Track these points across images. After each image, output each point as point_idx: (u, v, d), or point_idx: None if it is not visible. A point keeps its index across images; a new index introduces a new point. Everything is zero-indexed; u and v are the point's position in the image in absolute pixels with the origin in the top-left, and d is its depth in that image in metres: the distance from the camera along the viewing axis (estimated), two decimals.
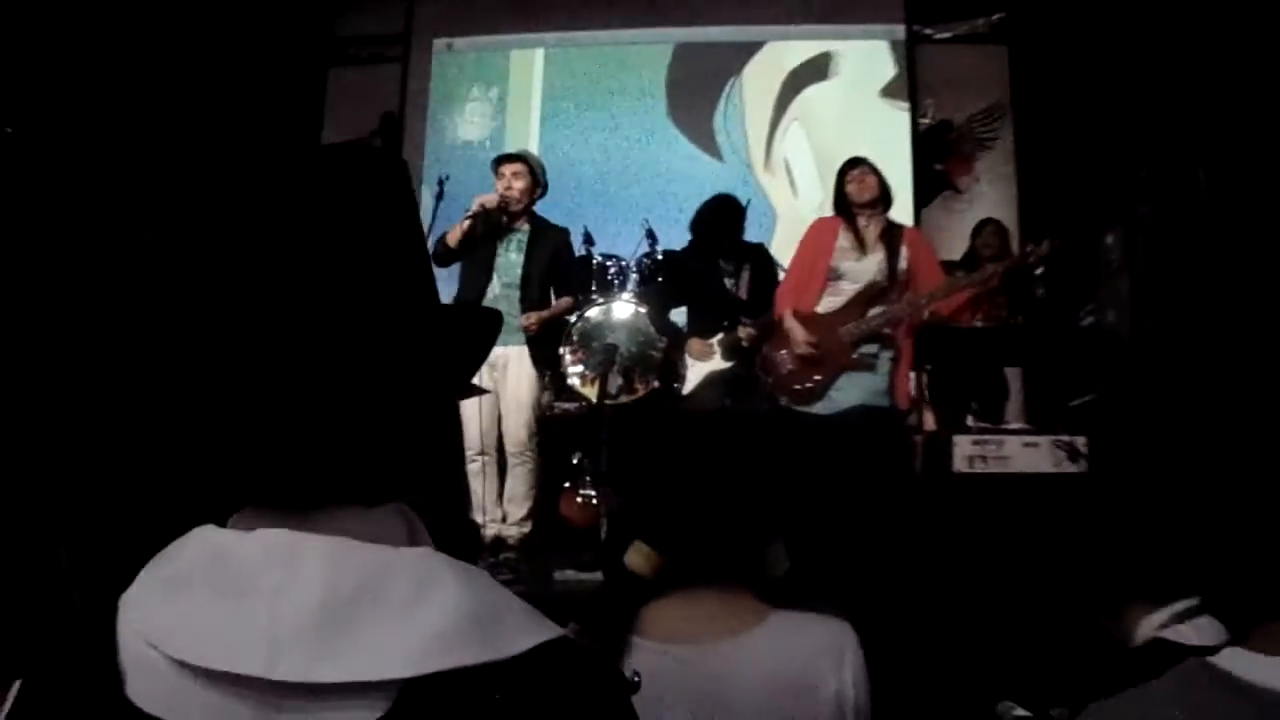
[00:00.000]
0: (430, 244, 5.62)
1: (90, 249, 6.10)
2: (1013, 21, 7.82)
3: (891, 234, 5.10)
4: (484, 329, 1.06)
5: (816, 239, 5.20)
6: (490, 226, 5.48)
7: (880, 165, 6.23)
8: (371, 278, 0.90)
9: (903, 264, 5.03)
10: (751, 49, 8.37)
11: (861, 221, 5.08)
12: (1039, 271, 5.18)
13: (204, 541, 0.88)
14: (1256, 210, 4.93)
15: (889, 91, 8.15)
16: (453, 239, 5.42)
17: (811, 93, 8.28)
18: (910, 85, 7.93)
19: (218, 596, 0.83)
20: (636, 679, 1.93)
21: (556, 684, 0.86)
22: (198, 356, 0.89)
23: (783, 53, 8.33)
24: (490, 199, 5.45)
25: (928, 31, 8.01)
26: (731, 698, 1.76)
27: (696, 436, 2.07)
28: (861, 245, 5.04)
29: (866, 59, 8.23)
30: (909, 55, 7.96)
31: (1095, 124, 6.72)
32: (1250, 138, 5.22)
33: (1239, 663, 1.17)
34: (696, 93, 8.36)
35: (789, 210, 7.97)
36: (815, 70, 8.28)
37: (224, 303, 0.88)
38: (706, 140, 8.20)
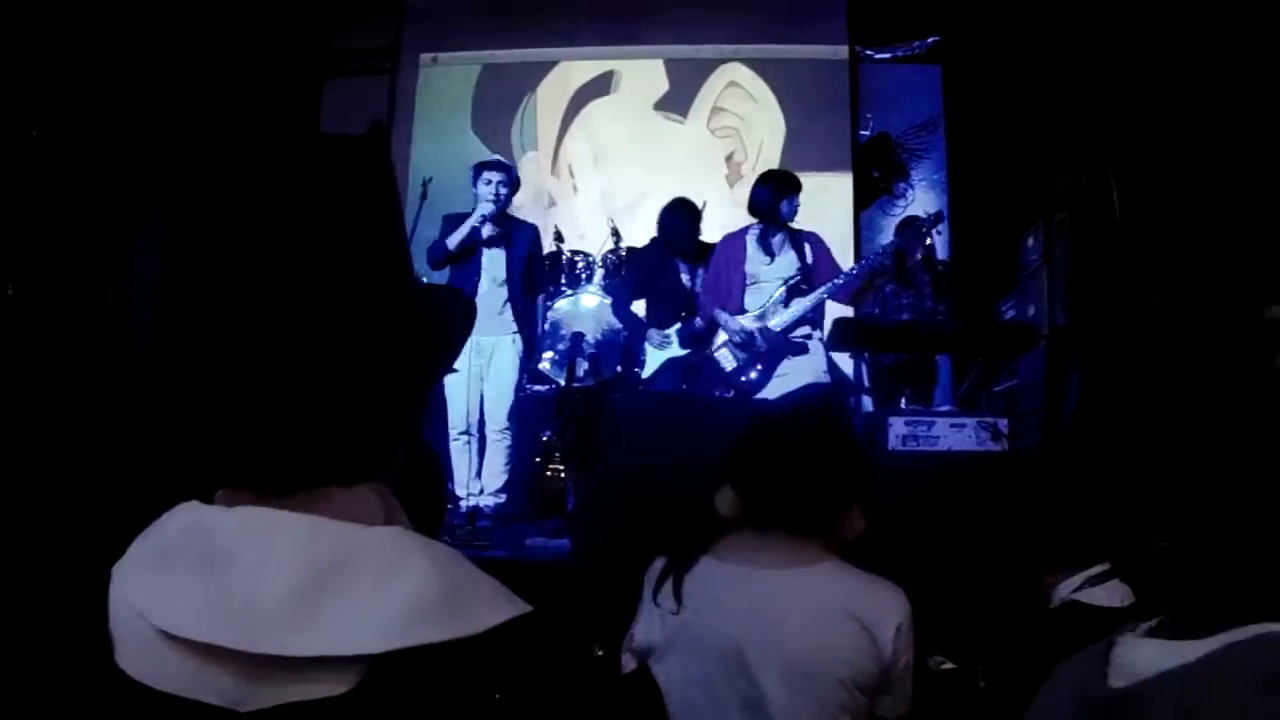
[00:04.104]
0: (417, 246, 5.60)
1: (95, 244, 6.04)
2: (947, 44, 7.84)
3: (796, 238, 5.23)
4: (460, 314, 1.04)
5: (728, 252, 5.28)
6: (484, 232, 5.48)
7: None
8: (352, 265, 0.87)
9: (809, 259, 5.17)
10: (546, 68, 8.48)
11: (773, 230, 5.18)
12: (938, 232, 5.30)
13: (188, 517, 0.86)
14: (1159, 218, 4.96)
15: (661, 105, 8.32)
16: (454, 243, 5.36)
17: (593, 106, 8.42)
18: (852, 100, 7.91)
19: (199, 570, 0.81)
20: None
21: (520, 659, 0.83)
22: (184, 342, 0.86)
23: (571, 71, 8.47)
24: (487, 209, 5.42)
25: (869, 52, 8.02)
26: (778, 616, 1.86)
27: (796, 419, 2.16)
28: (770, 252, 5.17)
29: (644, 77, 8.38)
30: (852, 73, 7.95)
31: (1019, 137, 6.76)
32: (1156, 155, 5.25)
33: None
34: (498, 107, 8.47)
35: (573, 210, 8.07)
36: (599, 87, 8.44)
37: (210, 290, 0.86)
38: (504, 149, 8.18)
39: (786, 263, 5.15)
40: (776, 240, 5.18)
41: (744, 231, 5.29)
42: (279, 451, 0.84)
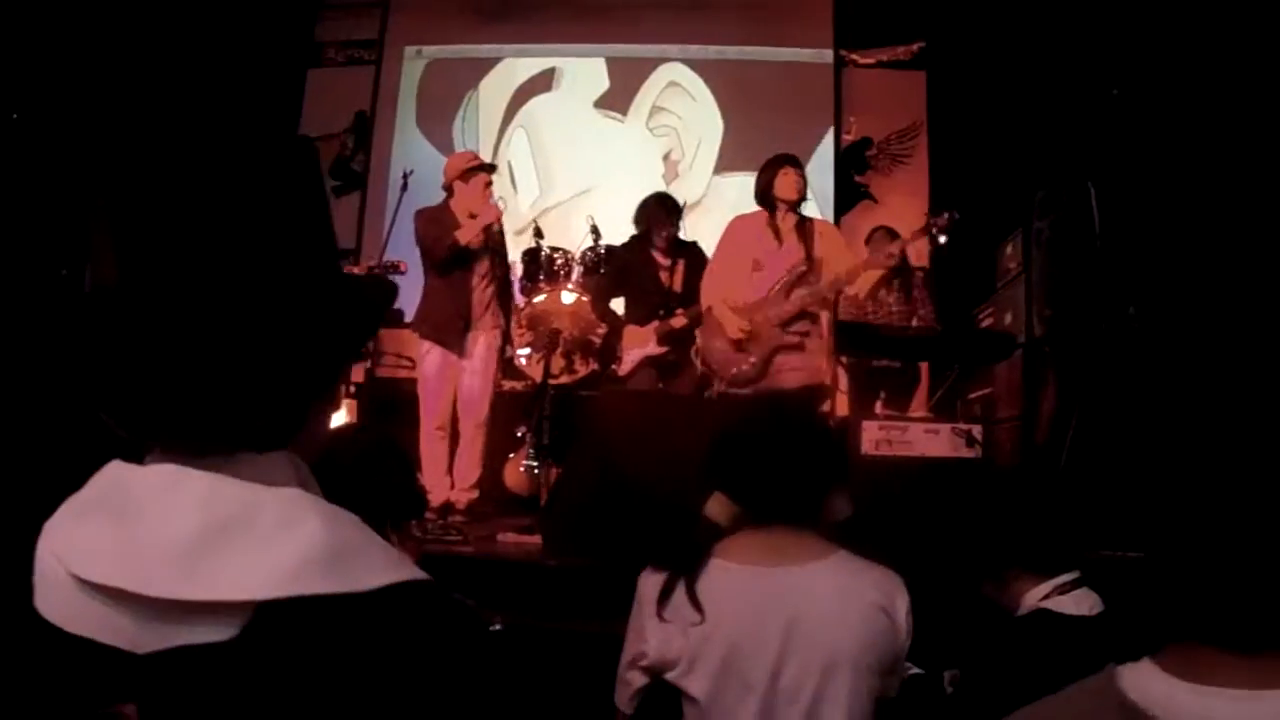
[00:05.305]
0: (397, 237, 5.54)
1: (71, 228, 6.00)
2: (931, 51, 7.86)
3: (804, 226, 5.09)
4: (377, 300, 1.10)
5: (737, 235, 5.16)
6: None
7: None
8: (275, 246, 0.94)
9: (817, 252, 5.02)
10: (490, 64, 8.53)
11: (780, 215, 5.06)
12: (942, 240, 5.20)
13: (111, 474, 0.92)
14: (1138, 229, 4.98)
15: (601, 103, 8.39)
16: (465, 238, 5.27)
17: (535, 103, 8.48)
18: (835, 104, 7.93)
19: (113, 521, 0.87)
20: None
21: (406, 621, 0.88)
22: (113, 315, 0.92)
23: (514, 68, 8.52)
24: (496, 212, 5.41)
25: (853, 57, 8.03)
26: (812, 613, 1.90)
27: (768, 411, 2.19)
28: (778, 237, 5.03)
29: (585, 74, 8.43)
30: (836, 78, 7.97)
31: (1000, 146, 6.78)
32: (1135, 167, 5.27)
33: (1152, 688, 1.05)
34: (441, 102, 8.51)
35: (511, 206, 7.90)
36: (540, 84, 8.50)
37: (139, 266, 0.93)
38: (446, 145, 8.20)
39: (794, 250, 5.01)
40: (785, 225, 5.04)
41: (754, 216, 5.16)
42: (194, 414, 0.90)
